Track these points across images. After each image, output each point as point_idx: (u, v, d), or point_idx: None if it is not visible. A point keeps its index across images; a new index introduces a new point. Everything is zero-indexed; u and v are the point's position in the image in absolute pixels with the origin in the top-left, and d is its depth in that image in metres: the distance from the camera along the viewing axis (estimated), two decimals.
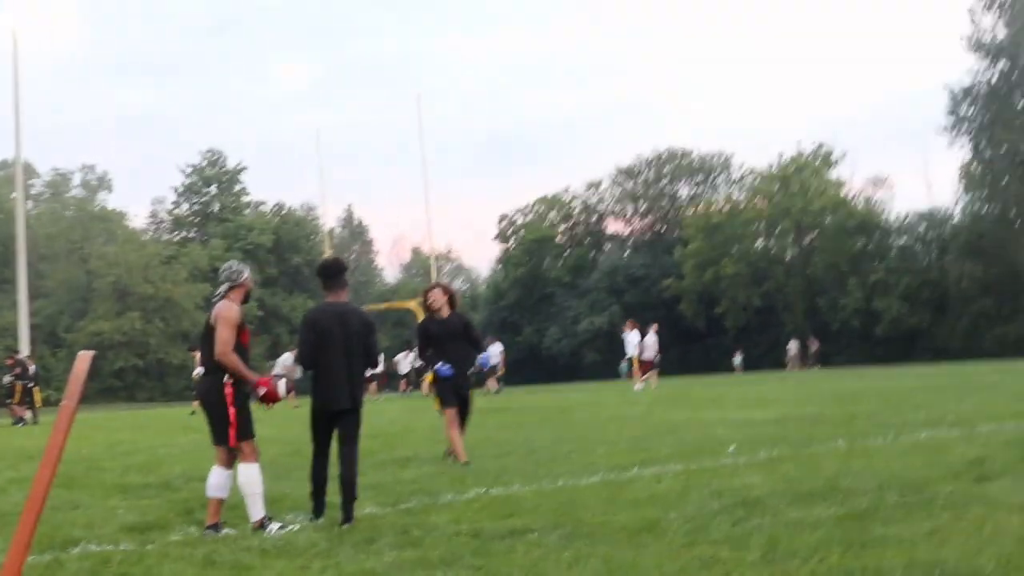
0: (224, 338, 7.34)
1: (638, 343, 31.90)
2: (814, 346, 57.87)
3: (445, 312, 11.58)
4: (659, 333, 32.57)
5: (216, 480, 7.44)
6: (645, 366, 32.02)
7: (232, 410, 7.29)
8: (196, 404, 29.16)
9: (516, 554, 6.01)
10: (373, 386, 38.22)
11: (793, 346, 58.70)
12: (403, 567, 5.82)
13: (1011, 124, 58.61)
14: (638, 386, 31.10)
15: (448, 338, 11.45)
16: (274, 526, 7.16)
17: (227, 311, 7.45)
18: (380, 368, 37.72)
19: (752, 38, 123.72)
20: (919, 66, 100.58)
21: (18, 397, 30.02)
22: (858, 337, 63.77)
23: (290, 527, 7.08)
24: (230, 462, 7.43)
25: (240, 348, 7.42)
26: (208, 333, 7.53)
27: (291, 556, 6.35)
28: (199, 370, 29.76)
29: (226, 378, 7.32)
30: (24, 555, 3.86)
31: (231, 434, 7.32)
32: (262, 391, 7.29)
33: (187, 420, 24.79)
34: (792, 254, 71.57)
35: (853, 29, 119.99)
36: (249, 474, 7.29)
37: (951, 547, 5.53)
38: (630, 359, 32.32)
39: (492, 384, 36.38)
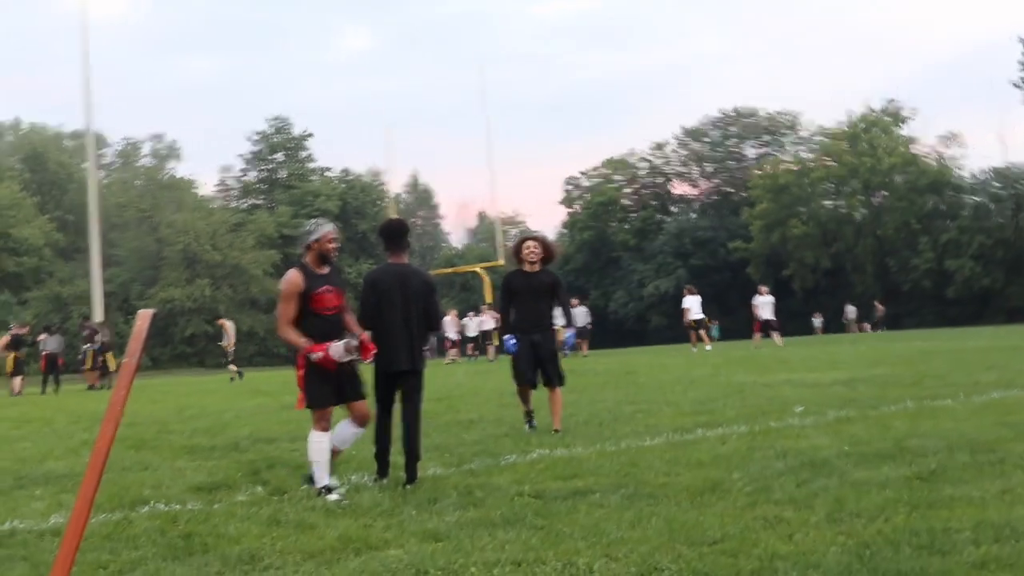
0: (278, 311, 7.30)
1: (699, 306, 32.84)
2: (880, 310, 57.08)
3: (536, 267, 10.73)
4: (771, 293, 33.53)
5: (339, 432, 7.48)
6: (759, 325, 32.76)
7: (300, 372, 7.24)
8: (234, 369, 30.02)
9: (578, 514, 5.99)
10: (455, 351, 38.33)
11: (851, 310, 58.06)
12: (465, 527, 5.83)
13: None
14: (708, 347, 31.56)
15: (530, 295, 10.63)
16: (332, 497, 7.04)
17: (283, 282, 7.35)
18: (456, 332, 37.97)
19: None
20: (992, 18, 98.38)
21: (90, 363, 30.66)
22: (930, 298, 62.89)
23: (344, 502, 6.92)
24: (361, 420, 7.49)
25: (313, 313, 7.26)
26: None
27: (355, 516, 6.39)
28: (229, 339, 30.58)
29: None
30: (89, 508, 3.90)
31: (299, 398, 7.32)
32: (316, 356, 7.14)
33: (229, 386, 25.07)
34: (862, 214, 70.51)
35: None
36: (312, 441, 7.24)
37: (1022, 507, 5.42)
38: (696, 321, 32.58)
39: (584, 348, 36.42)
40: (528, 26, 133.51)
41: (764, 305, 32.52)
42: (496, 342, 34.28)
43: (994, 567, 4.38)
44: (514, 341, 10.58)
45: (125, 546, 5.83)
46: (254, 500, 7.22)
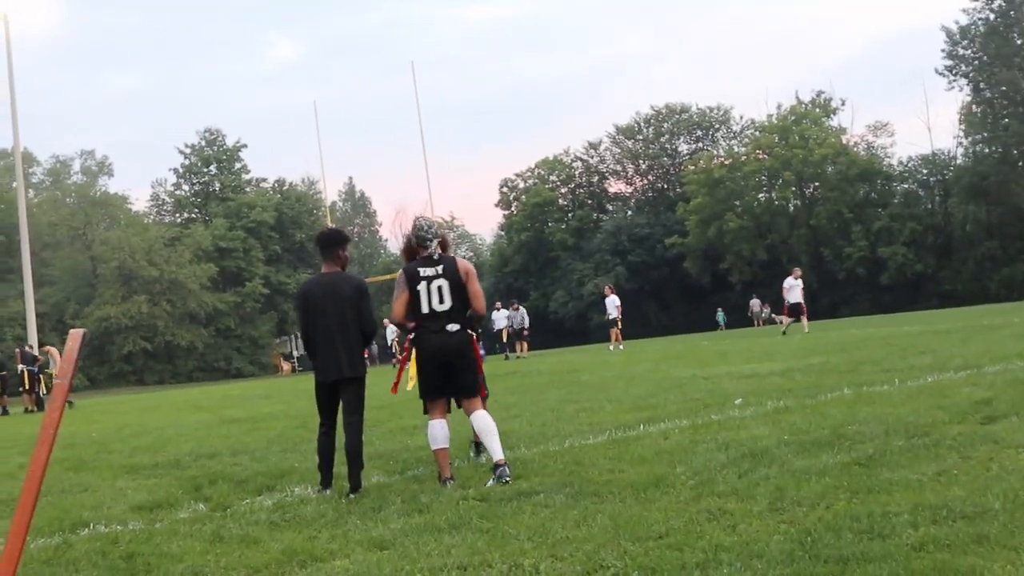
0: (479, 291, 7.77)
1: (618, 306, 34.06)
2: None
3: None
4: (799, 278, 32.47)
5: (444, 432, 7.65)
6: (788, 309, 32.10)
7: (481, 362, 7.86)
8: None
9: (523, 515, 6.00)
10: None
11: (755, 303, 58.74)
12: (411, 533, 5.81)
13: (1010, 62, 58.36)
14: (621, 347, 33.09)
15: None
16: (507, 470, 7.35)
17: (472, 267, 7.78)
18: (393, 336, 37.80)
19: None
20: (916, 8, 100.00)
21: (27, 385, 30.17)
22: (864, 285, 63.81)
23: (508, 478, 7.21)
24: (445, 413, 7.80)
25: None
26: (455, 287, 7.63)
27: (299, 527, 6.35)
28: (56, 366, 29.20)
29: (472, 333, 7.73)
30: (25, 533, 3.85)
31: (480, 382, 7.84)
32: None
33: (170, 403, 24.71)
34: (795, 205, 71.41)
35: None
36: (488, 417, 7.67)
37: (958, 488, 5.51)
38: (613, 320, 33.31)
39: (522, 349, 36.69)
40: (459, 30, 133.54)
41: (793, 288, 31.70)
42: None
43: (932, 548, 4.45)
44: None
45: (65, 570, 5.75)
46: (196, 517, 7.15)
